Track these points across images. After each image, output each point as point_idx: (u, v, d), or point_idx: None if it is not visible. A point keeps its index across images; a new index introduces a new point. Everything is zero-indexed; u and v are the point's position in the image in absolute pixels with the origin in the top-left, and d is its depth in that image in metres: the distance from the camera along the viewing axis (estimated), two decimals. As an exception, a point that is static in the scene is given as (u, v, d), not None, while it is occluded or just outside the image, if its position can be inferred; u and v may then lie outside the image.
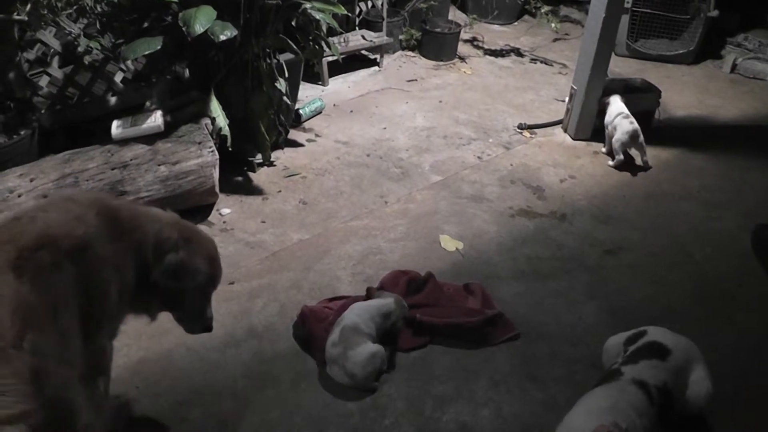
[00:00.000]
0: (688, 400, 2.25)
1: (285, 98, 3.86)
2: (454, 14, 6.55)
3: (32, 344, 1.48)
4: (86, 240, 1.75)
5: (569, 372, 2.62)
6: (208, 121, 3.45)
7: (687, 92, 5.57)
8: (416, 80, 5.52)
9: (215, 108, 3.41)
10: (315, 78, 5.24)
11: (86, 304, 1.73)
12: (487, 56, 6.20)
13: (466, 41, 6.42)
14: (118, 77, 4.17)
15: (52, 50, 3.83)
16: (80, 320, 1.71)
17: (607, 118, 4.30)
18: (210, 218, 3.46)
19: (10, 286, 1.54)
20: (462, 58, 6.04)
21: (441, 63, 5.91)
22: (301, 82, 4.60)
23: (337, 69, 5.35)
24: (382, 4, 5.64)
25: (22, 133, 3.32)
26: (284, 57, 3.92)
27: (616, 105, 4.29)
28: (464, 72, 5.78)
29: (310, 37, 3.94)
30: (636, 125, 4.09)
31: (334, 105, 4.91)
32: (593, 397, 2.07)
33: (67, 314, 1.66)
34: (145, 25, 3.47)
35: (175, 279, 1.98)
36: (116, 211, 1.90)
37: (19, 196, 2.90)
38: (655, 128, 4.79)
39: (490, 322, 2.76)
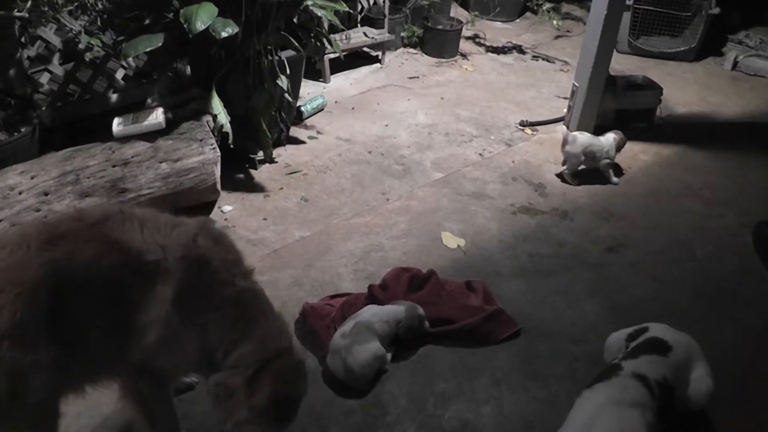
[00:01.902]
0: (689, 397, 2.25)
1: (286, 95, 3.86)
2: (456, 11, 6.53)
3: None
4: (152, 271, 1.70)
5: (571, 369, 2.62)
6: (209, 118, 3.45)
7: (688, 89, 5.56)
8: (418, 77, 5.51)
9: (217, 105, 3.40)
10: (316, 75, 5.24)
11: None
12: (489, 53, 6.19)
13: (467, 38, 6.42)
14: (119, 74, 4.16)
15: (51, 45, 3.83)
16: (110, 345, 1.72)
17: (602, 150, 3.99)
18: (212, 215, 3.46)
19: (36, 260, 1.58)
20: (464, 55, 6.04)
21: (443, 60, 5.90)
22: (303, 79, 4.60)
23: (338, 66, 5.34)
24: (383, 1, 5.63)
25: (23, 130, 3.32)
26: (286, 54, 3.91)
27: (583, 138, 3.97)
28: (466, 69, 5.77)
29: (312, 34, 3.94)
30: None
31: (336, 102, 4.90)
32: (596, 393, 2.06)
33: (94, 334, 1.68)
34: (147, 21, 3.47)
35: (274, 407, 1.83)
36: (221, 279, 1.79)
37: (20, 193, 2.90)
38: (656, 125, 4.79)
39: (490, 318, 2.76)
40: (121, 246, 1.69)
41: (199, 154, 3.27)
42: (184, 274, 1.73)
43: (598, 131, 4.51)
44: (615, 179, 4.03)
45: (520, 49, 6.32)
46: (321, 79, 5.24)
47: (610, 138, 3.99)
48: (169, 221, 1.82)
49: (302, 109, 4.51)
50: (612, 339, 2.51)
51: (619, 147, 4.01)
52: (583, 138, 3.93)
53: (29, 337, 1.56)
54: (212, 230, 1.90)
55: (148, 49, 3.16)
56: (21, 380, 1.56)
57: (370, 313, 2.57)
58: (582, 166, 3.98)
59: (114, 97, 4.11)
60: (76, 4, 3.55)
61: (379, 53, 5.67)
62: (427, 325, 2.68)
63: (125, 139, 3.24)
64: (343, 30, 5.10)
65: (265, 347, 1.83)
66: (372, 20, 5.71)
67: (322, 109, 4.74)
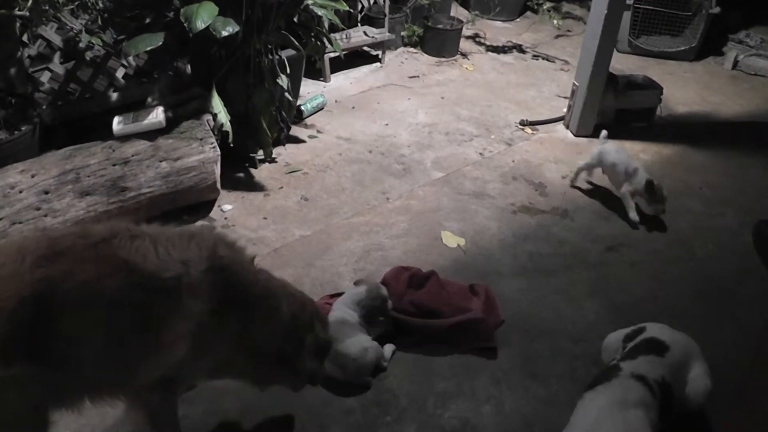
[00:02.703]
0: (687, 396, 2.24)
1: (287, 94, 3.86)
2: (456, 10, 6.53)
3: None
4: (170, 287, 1.69)
5: (571, 369, 2.62)
6: (209, 117, 3.45)
7: (689, 89, 5.56)
8: (418, 77, 5.51)
9: (217, 104, 3.40)
10: (317, 74, 5.24)
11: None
12: (489, 53, 6.19)
13: (468, 38, 6.42)
14: (120, 73, 4.17)
15: (52, 44, 3.83)
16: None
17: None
18: (211, 214, 3.46)
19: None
20: (464, 55, 6.04)
21: (443, 59, 5.90)
22: (303, 79, 4.60)
23: (338, 65, 5.34)
24: (384, 1, 5.63)
25: (24, 128, 3.32)
26: (286, 53, 3.91)
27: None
28: (466, 68, 5.77)
29: (312, 34, 3.94)
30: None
31: (336, 101, 4.90)
32: (598, 395, 2.06)
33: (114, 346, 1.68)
34: (147, 21, 3.46)
35: (318, 357, 2.10)
36: (246, 281, 1.88)
37: (20, 192, 2.90)
38: (656, 125, 4.79)
39: (466, 326, 2.69)
40: (131, 266, 1.66)
41: (199, 153, 3.28)
42: (214, 285, 1.76)
43: (598, 130, 4.52)
44: (634, 216, 3.56)
45: (520, 49, 6.32)
46: (321, 78, 5.24)
47: (643, 172, 3.56)
48: (182, 235, 1.81)
49: (302, 108, 4.51)
50: (609, 339, 2.51)
51: (651, 191, 3.46)
52: (613, 147, 3.75)
53: (5, 352, 1.52)
54: (224, 237, 1.96)
55: (148, 48, 3.16)
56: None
57: (335, 308, 2.58)
58: (596, 171, 3.87)
59: (114, 95, 4.11)
60: (76, 3, 3.55)
61: (380, 52, 5.67)
62: (389, 305, 2.66)
63: (125, 137, 3.24)
64: (343, 29, 5.11)
65: (305, 312, 2.05)
66: (372, 19, 5.71)
67: (322, 108, 4.74)
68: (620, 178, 3.63)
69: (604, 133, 3.93)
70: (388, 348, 2.59)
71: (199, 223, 3.36)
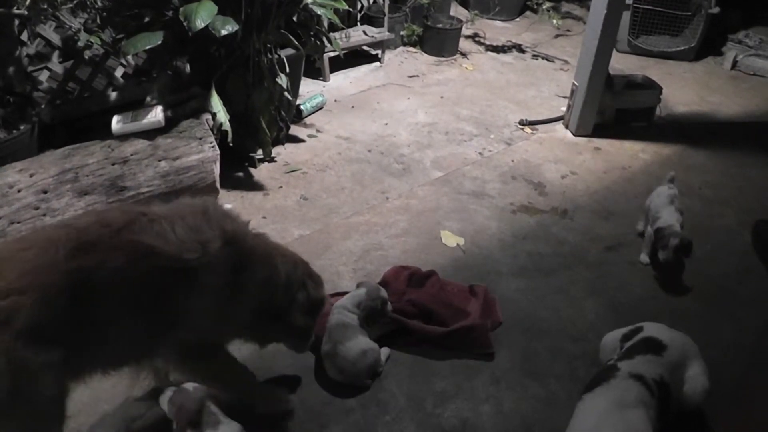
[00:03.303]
0: (685, 395, 2.24)
1: (286, 94, 3.85)
2: (456, 10, 6.53)
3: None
4: (193, 266, 1.81)
5: (570, 368, 2.62)
6: (208, 116, 3.45)
7: (688, 89, 5.56)
8: (418, 76, 5.51)
9: (216, 103, 3.40)
10: (316, 73, 5.23)
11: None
12: (489, 52, 6.19)
13: (467, 37, 6.41)
14: (119, 72, 4.16)
15: (52, 43, 3.83)
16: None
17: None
18: (211, 214, 3.46)
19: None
20: (463, 54, 6.03)
21: (442, 59, 5.90)
22: (302, 78, 4.59)
23: (338, 64, 5.34)
24: (383, 0, 5.63)
25: (22, 128, 3.32)
26: (285, 52, 3.91)
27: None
28: (466, 68, 5.77)
29: (312, 33, 3.93)
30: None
31: (336, 100, 4.90)
32: (598, 397, 2.05)
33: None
34: (146, 19, 3.46)
35: (310, 315, 2.20)
36: (249, 248, 2.00)
37: (19, 191, 2.89)
38: (656, 125, 4.79)
39: (464, 333, 2.68)
40: (156, 250, 1.76)
41: (199, 152, 3.27)
42: (228, 258, 1.89)
43: (598, 129, 4.52)
44: (644, 258, 3.29)
45: (519, 48, 6.32)
46: (321, 78, 5.23)
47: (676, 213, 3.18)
48: (193, 212, 1.91)
49: (302, 107, 4.50)
50: (607, 339, 2.51)
51: (679, 249, 3.00)
52: (663, 190, 3.32)
53: (44, 338, 1.60)
54: (224, 209, 2.09)
55: (147, 47, 3.15)
56: (27, 379, 1.59)
57: (335, 310, 2.57)
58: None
59: (113, 95, 4.11)
60: (75, 1, 3.55)
61: (379, 52, 5.67)
62: (389, 308, 2.66)
63: (124, 137, 3.23)
64: (342, 28, 5.10)
65: (297, 272, 2.17)
66: (372, 19, 5.71)
67: (322, 108, 4.74)
68: (650, 219, 3.30)
69: (670, 174, 3.42)
70: (384, 351, 2.59)
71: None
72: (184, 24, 2.98)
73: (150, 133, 3.26)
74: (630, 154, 4.36)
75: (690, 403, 2.25)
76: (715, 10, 5.91)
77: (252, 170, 3.89)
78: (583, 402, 2.06)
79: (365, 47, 5.64)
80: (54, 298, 1.60)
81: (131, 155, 3.15)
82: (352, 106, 4.84)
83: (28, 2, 3.21)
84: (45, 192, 2.92)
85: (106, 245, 1.71)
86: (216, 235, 1.87)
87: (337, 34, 5.11)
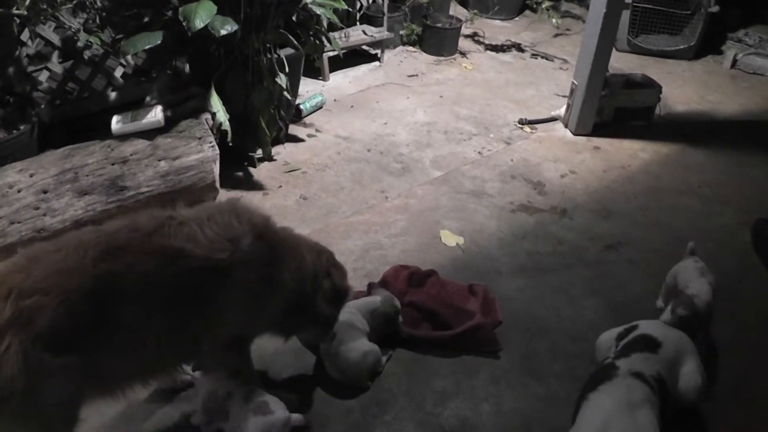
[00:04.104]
0: (679, 392, 2.23)
1: (285, 93, 3.85)
2: (455, 9, 6.53)
3: None
4: (225, 265, 1.83)
5: (569, 367, 2.62)
6: (208, 116, 3.45)
7: (687, 88, 5.56)
8: (417, 75, 5.51)
9: (215, 103, 3.40)
10: (315, 73, 5.23)
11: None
12: (488, 51, 6.19)
13: (466, 36, 6.41)
14: (118, 72, 4.16)
15: (52, 43, 3.82)
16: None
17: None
18: (210, 213, 3.46)
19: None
20: (463, 54, 6.03)
21: (442, 58, 5.90)
22: (302, 77, 4.59)
23: (337, 64, 5.34)
24: (382, 0, 5.63)
25: (22, 128, 3.31)
26: (285, 52, 3.91)
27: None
28: (465, 67, 5.77)
29: (311, 32, 3.93)
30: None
31: (335, 100, 4.90)
32: (604, 396, 2.04)
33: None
34: (145, 19, 3.46)
35: (334, 304, 2.23)
36: (279, 240, 2.04)
37: (19, 191, 2.89)
38: (655, 124, 4.79)
39: (469, 334, 2.68)
40: (186, 253, 1.78)
41: (198, 152, 3.27)
42: (259, 254, 1.92)
43: (598, 128, 4.52)
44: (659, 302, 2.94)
45: (519, 48, 6.31)
46: (320, 77, 5.23)
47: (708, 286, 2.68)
48: (221, 212, 1.94)
49: (301, 107, 4.50)
50: (602, 338, 2.50)
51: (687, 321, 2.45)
52: (690, 263, 2.86)
53: (65, 341, 1.61)
54: (250, 206, 2.10)
55: (146, 47, 3.15)
56: (43, 380, 1.59)
57: (346, 311, 2.54)
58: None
59: (113, 95, 4.10)
60: (75, 2, 3.55)
61: (378, 51, 5.66)
62: (400, 320, 2.67)
63: (124, 137, 3.23)
64: (342, 28, 5.09)
65: (322, 260, 2.19)
66: (371, 18, 5.71)
67: (321, 107, 4.74)
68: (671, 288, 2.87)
69: (690, 245, 2.97)
70: (384, 352, 2.58)
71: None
72: (184, 24, 2.98)
73: (150, 133, 3.26)
74: (629, 153, 4.36)
75: (684, 400, 2.23)
76: (715, 8, 5.91)
77: (251, 170, 3.89)
78: (589, 401, 2.04)
79: (364, 47, 5.64)
80: (79, 300, 1.61)
81: (131, 155, 3.15)
82: (352, 106, 4.84)
83: (27, 2, 3.21)
84: (45, 192, 2.92)
85: (136, 249, 1.73)
86: (246, 230, 1.91)
87: (336, 34, 5.11)
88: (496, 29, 6.78)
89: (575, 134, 4.56)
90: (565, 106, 4.67)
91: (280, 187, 3.75)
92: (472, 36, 6.48)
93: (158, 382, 2.08)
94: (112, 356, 1.74)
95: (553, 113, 4.78)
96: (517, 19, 7.20)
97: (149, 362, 1.89)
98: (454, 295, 2.92)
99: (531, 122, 4.72)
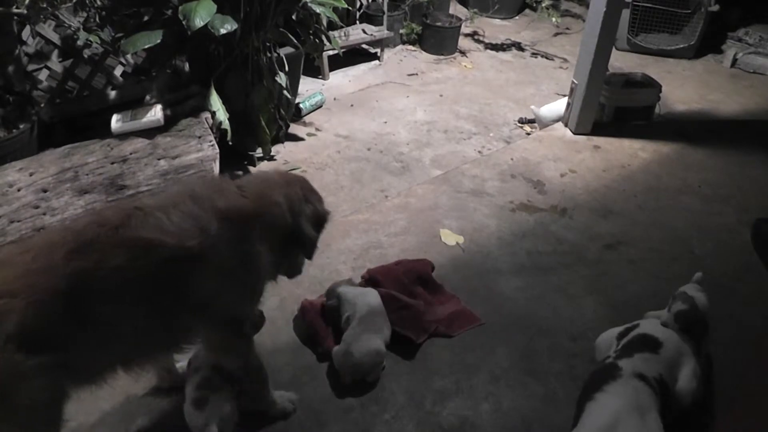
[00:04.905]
0: (676, 395, 2.23)
1: (285, 92, 3.86)
2: (455, 8, 6.53)
3: None
4: (197, 251, 1.81)
5: (569, 366, 2.62)
6: (208, 115, 3.45)
7: (687, 87, 5.56)
8: (417, 74, 5.51)
9: (215, 102, 3.40)
10: (315, 72, 5.23)
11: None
12: (488, 50, 6.19)
13: (466, 35, 6.41)
14: (118, 71, 4.16)
15: (52, 42, 3.82)
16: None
17: None
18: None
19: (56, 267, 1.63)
20: (463, 53, 6.03)
21: (442, 57, 5.90)
22: (302, 76, 4.60)
23: (337, 63, 5.34)
24: (382, -2, 5.63)
25: (22, 127, 3.32)
26: (284, 51, 3.91)
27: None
28: (465, 66, 5.77)
29: (311, 31, 3.94)
30: None
31: (335, 99, 4.90)
32: (611, 397, 2.03)
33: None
34: (145, 18, 3.46)
35: (315, 228, 2.24)
36: (245, 211, 1.96)
37: (19, 190, 2.89)
38: (655, 123, 4.79)
39: (454, 317, 2.79)
40: (156, 243, 1.75)
41: (198, 151, 3.27)
42: (227, 233, 1.88)
43: (597, 128, 4.52)
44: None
45: (519, 46, 6.31)
46: (320, 76, 5.23)
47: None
48: (182, 196, 1.90)
49: (301, 106, 4.50)
50: (602, 338, 2.50)
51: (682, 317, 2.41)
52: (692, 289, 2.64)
53: (38, 341, 1.59)
54: (213, 181, 2.11)
55: (146, 46, 3.16)
56: (16, 382, 1.57)
57: (376, 301, 2.61)
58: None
59: (112, 94, 4.10)
60: (75, 0, 3.54)
61: (378, 50, 5.67)
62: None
63: (124, 136, 3.24)
64: (341, 27, 5.10)
65: (295, 190, 2.18)
66: (371, 17, 5.71)
67: (321, 106, 4.74)
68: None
69: (697, 275, 2.75)
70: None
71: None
72: (183, 23, 2.98)
73: (149, 132, 3.26)
74: (629, 152, 4.36)
75: (680, 403, 2.22)
76: (715, 7, 5.91)
77: (251, 169, 3.89)
78: (595, 401, 2.03)
79: (364, 45, 5.65)
80: (49, 300, 1.59)
81: (131, 154, 3.15)
82: (351, 105, 4.84)
83: (27, 1, 3.21)
84: (45, 191, 2.92)
85: (105, 244, 1.70)
86: (210, 216, 1.87)
87: (336, 33, 5.11)
88: (496, 28, 6.78)
89: (575, 133, 4.56)
90: (545, 105, 4.68)
91: (280, 186, 3.75)
92: (472, 35, 6.48)
93: (144, 370, 2.03)
94: (90, 351, 1.73)
95: (533, 108, 4.76)
96: (517, 17, 7.20)
97: (130, 353, 1.88)
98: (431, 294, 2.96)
99: (531, 121, 4.71)
